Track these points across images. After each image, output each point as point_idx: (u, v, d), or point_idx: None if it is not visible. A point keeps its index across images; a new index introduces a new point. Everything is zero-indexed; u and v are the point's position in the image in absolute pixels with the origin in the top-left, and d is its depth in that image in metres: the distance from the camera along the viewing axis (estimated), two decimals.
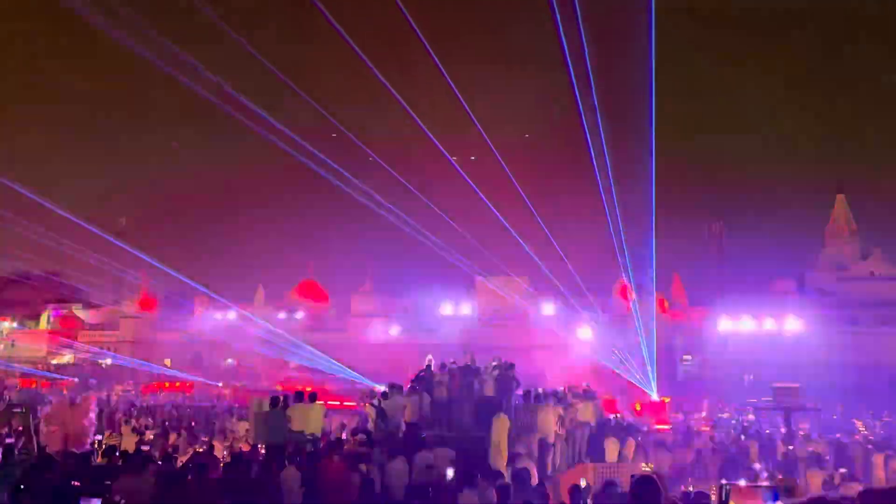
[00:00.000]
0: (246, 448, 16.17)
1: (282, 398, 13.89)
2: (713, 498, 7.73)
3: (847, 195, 63.88)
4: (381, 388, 17.62)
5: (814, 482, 15.24)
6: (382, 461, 11.79)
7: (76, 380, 55.10)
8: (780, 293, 65.60)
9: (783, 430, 26.28)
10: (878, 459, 17.64)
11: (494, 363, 16.56)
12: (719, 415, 44.12)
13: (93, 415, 8.96)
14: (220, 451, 17.48)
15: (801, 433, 27.41)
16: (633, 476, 4.97)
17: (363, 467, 10.63)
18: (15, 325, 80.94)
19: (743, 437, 24.32)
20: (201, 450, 17.66)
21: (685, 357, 61.40)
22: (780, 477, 16.64)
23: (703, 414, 44.94)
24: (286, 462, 11.55)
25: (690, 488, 14.50)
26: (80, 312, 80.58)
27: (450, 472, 9.03)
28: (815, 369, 55.42)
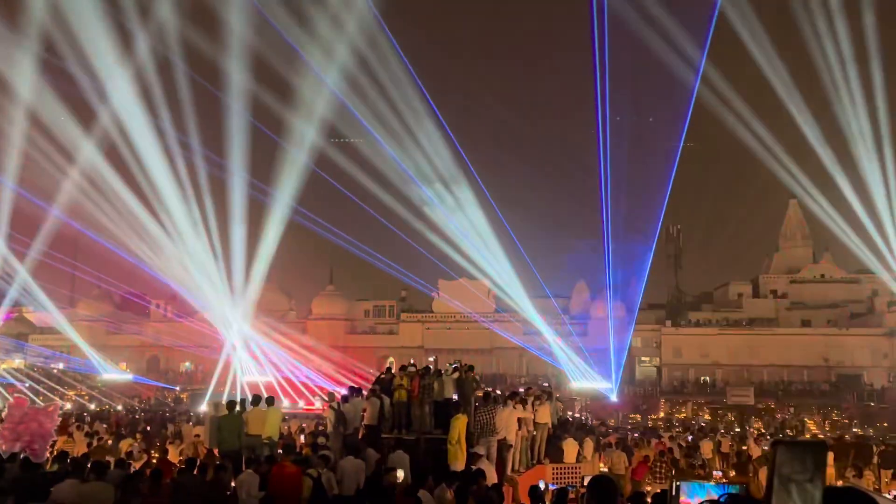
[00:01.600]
0: (202, 452, 15.93)
1: (239, 401, 13.71)
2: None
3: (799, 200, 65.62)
4: (341, 391, 17.50)
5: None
6: (337, 462, 11.71)
7: (26, 384, 53.59)
8: (735, 295, 67.08)
9: (737, 429, 26.85)
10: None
11: (454, 365, 16.57)
12: (675, 415, 44.91)
13: (51, 425, 8.73)
14: (175, 456, 17.20)
15: (755, 433, 28.00)
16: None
17: (313, 472, 10.54)
18: None
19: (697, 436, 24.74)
20: (157, 455, 17.36)
21: (643, 359, 62.33)
22: (733, 475, 17.01)
23: (661, 414, 45.69)
24: (243, 466, 11.41)
25: (647, 488, 14.73)
26: (29, 315, 78.36)
27: (400, 474, 9.00)
28: (769, 369, 56.94)
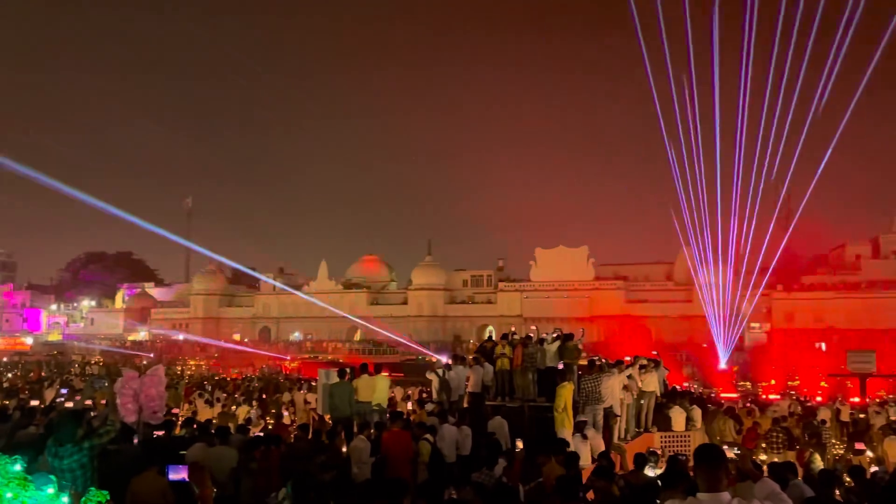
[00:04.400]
0: (315, 418, 16.59)
1: (348, 370, 14.16)
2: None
3: None
4: (444, 359, 17.78)
5: (891, 450, 14.77)
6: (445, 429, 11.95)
7: (151, 355, 57.29)
8: (853, 257, 63.30)
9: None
10: None
11: (555, 333, 16.50)
12: (789, 382, 43.07)
13: (162, 386, 9.28)
14: (289, 423, 18.01)
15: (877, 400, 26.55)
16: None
17: (430, 437, 10.79)
18: (93, 303, 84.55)
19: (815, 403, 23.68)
20: (272, 421, 18.23)
21: (753, 324, 59.93)
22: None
23: (772, 381, 43.98)
24: (354, 432, 11.80)
25: (762, 457, 14.26)
26: (152, 291, 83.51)
27: (519, 443, 9.03)
28: (891, 334, 53.56)
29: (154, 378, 9.07)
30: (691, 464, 10.26)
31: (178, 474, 3.92)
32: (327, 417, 14.96)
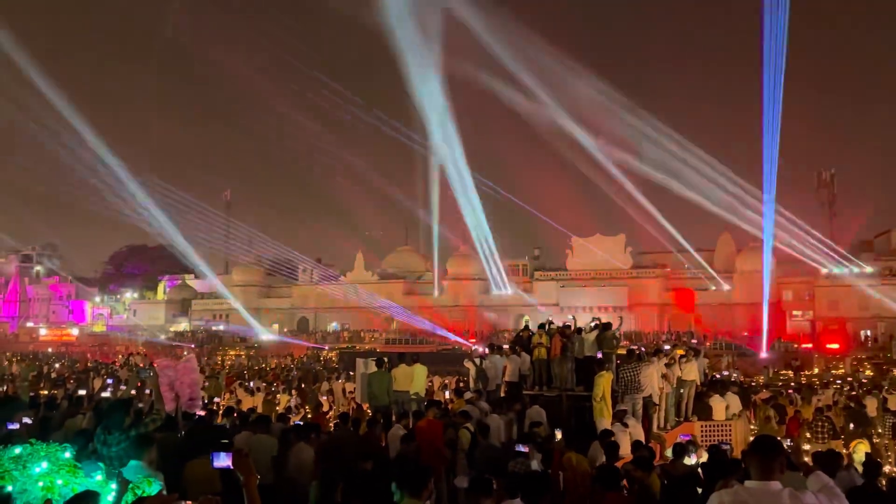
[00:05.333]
0: (353, 407, 16.75)
1: (386, 359, 14.25)
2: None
3: None
4: (481, 349, 17.78)
5: None
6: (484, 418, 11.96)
7: (192, 346, 58.37)
8: None
9: None
10: None
11: (594, 322, 16.38)
12: (832, 371, 42.21)
13: (196, 374, 9.42)
14: (328, 411, 18.21)
15: None
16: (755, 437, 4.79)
17: (470, 426, 10.81)
18: (135, 295, 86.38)
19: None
20: (310, 410, 18.44)
21: (795, 312, 58.76)
22: None
23: (815, 370, 43.16)
24: (393, 421, 11.88)
25: (806, 447, 14.00)
26: (192, 282, 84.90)
27: (558, 433, 8.99)
28: None
29: (188, 366, 9.21)
30: (734, 453, 10.14)
31: (223, 462, 3.95)
32: (366, 406, 15.10)
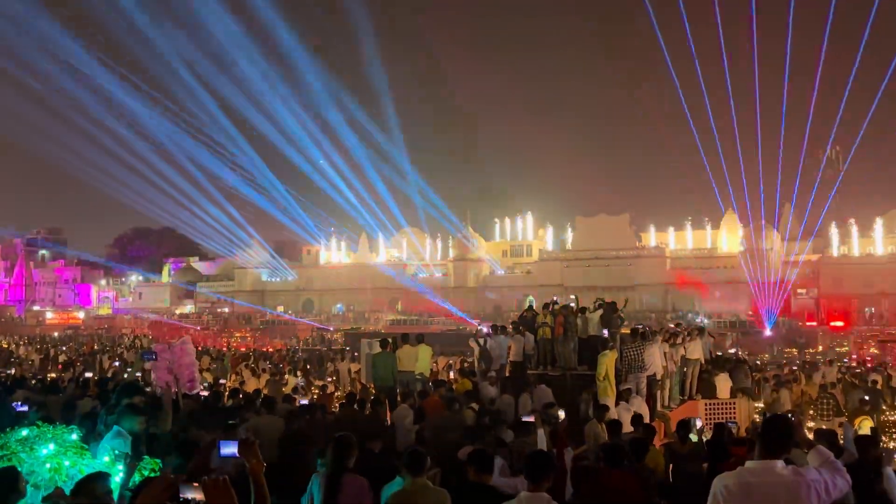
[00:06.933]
0: (359, 388, 16.82)
1: (390, 340, 14.29)
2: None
3: None
4: (485, 329, 17.80)
5: None
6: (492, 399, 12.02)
7: (198, 328, 58.62)
8: None
9: None
10: None
11: (598, 302, 16.38)
12: (836, 348, 42.20)
13: (192, 356, 9.43)
14: (334, 392, 18.30)
15: None
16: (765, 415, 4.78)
17: (475, 405, 10.86)
18: (140, 278, 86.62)
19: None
20: (317, 391, 18.54)
21: (800, 290, 58.70)
22: None
23: (820, 348, 43.19)
24: (398, 401, 11.93)
25: (810, 424, 14.04)
26: (197, 265, 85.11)
27: (561, 413, 9.02)
28: None
29: (185, 348, 9.21)
30: (742, 434, 10.17)
31: (229, 450, 3.97)
32: (371, 387, 15.16)
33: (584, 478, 6.83)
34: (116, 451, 5.07)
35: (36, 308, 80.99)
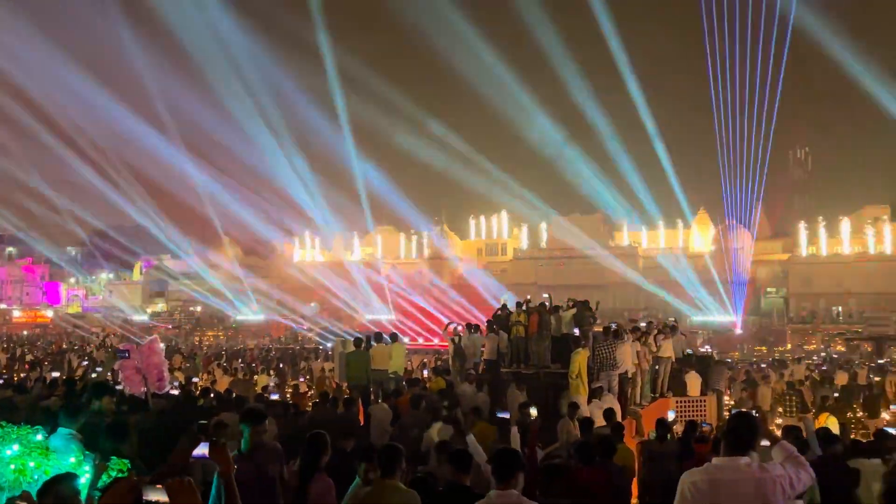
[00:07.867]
0: (332, 387, 16.76)
1: (364, 338, 14.25)
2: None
3: None
4: (459, 327, 17.82)
5: None
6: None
7: (170, 326, 57.96)
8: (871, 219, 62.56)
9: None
10: None
11: (570, 302, 16.48)
12: (805, 347, 42.98)
13: (161, 355, 9.34)
14: (306, 391, 18.22)
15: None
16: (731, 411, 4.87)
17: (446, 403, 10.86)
18: (111, 276, 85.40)
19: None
20: (290, 390, 18.44)
21: (769, 289, 59.63)
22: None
23: (788, 346, 43.92)
24: (371, 400, 11.91)
25: (777, 421, 14.28)
26: (168, 262, 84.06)
27: (533, 412, 9.08)
28: None
29: (152, 347, 9.12)
30: (711, 432, 10.30)
31: (199, 451, 3.94)
32: (344, 386, 15.11)
33: (555, 475, 6.90)
34: (84, 453, 5.00)
35: (2, 307, 79.45)
